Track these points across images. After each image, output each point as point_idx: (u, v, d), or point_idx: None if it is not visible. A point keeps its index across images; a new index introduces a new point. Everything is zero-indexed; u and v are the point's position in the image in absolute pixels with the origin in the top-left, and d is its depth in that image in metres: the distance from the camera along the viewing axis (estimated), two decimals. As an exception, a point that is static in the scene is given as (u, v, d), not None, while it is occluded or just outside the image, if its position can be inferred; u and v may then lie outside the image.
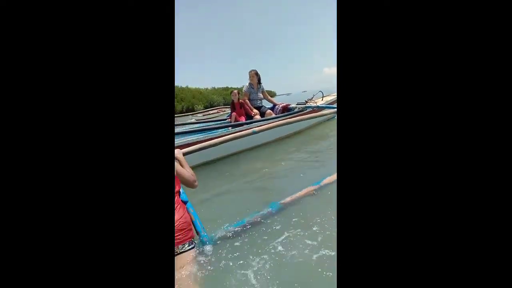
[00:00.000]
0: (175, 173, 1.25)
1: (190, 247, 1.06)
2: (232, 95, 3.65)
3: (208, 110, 13.09)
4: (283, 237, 1.25)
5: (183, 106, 19.69)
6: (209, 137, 2.58)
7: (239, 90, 3.81)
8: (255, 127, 2.33)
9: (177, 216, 1.06)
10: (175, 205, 1.09)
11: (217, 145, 2.00)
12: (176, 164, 1.32)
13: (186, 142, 2.46)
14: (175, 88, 21.01)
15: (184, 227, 1.08)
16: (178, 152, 1.45)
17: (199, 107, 20.41)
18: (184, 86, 22.82)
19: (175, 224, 1.03)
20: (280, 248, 1.17)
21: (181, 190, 1.40)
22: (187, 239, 1.07)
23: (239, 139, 2.24)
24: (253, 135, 2.35)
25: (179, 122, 5.26)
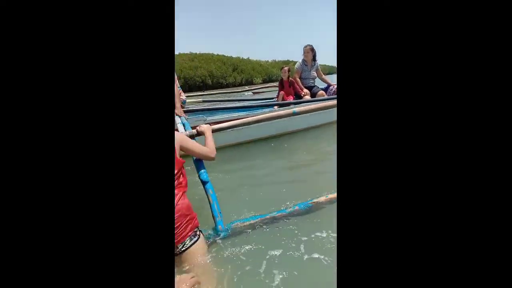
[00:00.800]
0: (188, 150, 1.27)
1: (192, 241, 0.97)
2: (282, 72, 3.39)
3: (267, 86, 12.82)
4: (307, 238, 1.15)
5: (242, 78, 19.85)
6: (250, 115, 2.45)
7: (291, 66, 3.52)
8: (297, 108, 2.08)
9: None
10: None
11: (250, 124, 1.84)
12: (190, 142, 1.30)
13: (227, 119, 2.38)
14: (236, 59, 21.19)
15: (180, 221, 0.95)
16: (207, 128, 1.49)
17: (258, 80, 20.34)
18: (245, 57, 22.85)
19: None
20: (302, 250, 1.07)
21: (203, 170, 1.34)
22: (186, 234, 0.96)
23: (276, 120, 2.02)
24: (295, 117, 2.11)
25: (235, 97, 5.27)
